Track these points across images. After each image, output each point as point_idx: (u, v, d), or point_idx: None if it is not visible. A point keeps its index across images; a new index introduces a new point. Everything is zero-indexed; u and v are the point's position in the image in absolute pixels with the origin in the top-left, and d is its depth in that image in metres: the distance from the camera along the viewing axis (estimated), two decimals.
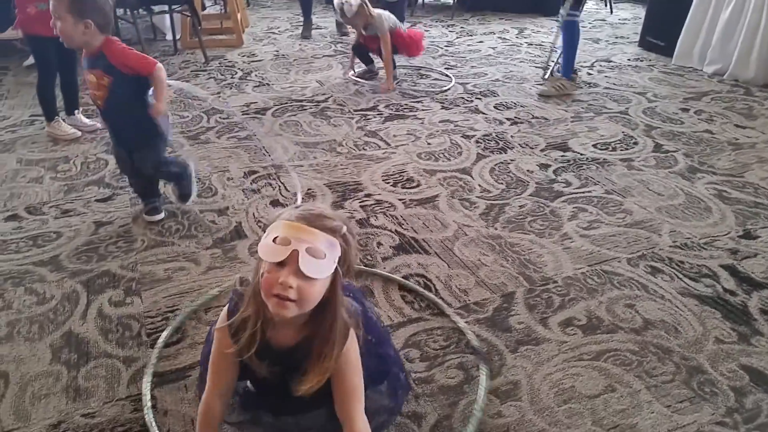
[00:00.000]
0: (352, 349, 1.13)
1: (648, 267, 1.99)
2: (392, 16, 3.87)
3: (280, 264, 1.00)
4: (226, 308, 1.17)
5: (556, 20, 3.72)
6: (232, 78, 4.08)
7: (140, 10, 4.43)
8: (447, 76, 4.10)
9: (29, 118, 3.30)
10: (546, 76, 3.94)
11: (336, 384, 1.13)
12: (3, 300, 1.82)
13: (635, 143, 3.00)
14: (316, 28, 5.51)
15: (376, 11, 3.76)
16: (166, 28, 5.07)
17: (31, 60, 4.18)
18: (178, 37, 4.85)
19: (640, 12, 5.82)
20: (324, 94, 3.77)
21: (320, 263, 1.01)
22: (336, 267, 1.04)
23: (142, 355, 1.60)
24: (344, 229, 1.05)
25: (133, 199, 2.41)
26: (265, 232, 1.05)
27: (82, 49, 2.04)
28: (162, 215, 2.28)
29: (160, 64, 2.02)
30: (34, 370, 1.55)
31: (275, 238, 1.01)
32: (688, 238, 2.16)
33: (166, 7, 4.44)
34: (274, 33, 5.46)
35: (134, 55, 2.01)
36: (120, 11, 4.66)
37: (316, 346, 1.10)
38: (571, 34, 3.66)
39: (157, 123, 2.09)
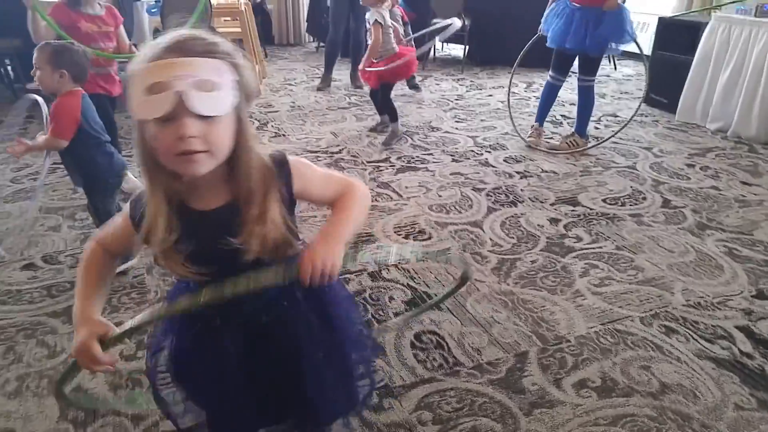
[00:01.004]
0: (299, 173, 1.00)
1: (662, 327, 1.97)
2: (397, 27, 3.79)
3: (168, 118, 0.81)
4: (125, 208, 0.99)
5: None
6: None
7: None
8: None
9: (51, 166, 3.35)
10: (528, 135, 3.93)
11: (315, 199, 1.05)
12: (14, 353, 1.82)
13: (644, 198, 3.01)
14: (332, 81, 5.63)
15: (389, 3, 3.70)
16: None
17: None
18: None
19: (643, 69, 5.91)
20: (338, 145, 3.83)
21: (216, 96, 0.82)
22: (235, 96, 0.86)
23: (150, 414, 1.59)
24: (223, 45, 0.86)
25: (147, 250, 2.43)
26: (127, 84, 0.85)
27: (55, 95, 2.19)
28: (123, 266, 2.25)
29: (60, 142, 2.11)
30: (41, 428, 1.54)
31: (148, 87, 0.80)
32: (701, 297, 2.14)
33: None
34: (290, 84, 5.58)
35: (56, 115, 2.11)
36: None
37: (242, 197, 0.93)
38: (586, 97, 3.72)
39: (103, 172, 2.23)
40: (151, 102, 0.79)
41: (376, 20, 3.60)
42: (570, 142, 3.76)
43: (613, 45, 3.48)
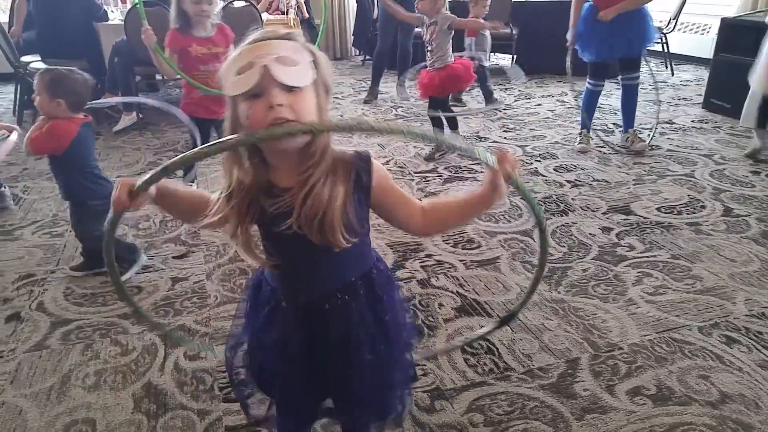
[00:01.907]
0: (381, 175, 1.05)
1: (722, 336, 1.94)
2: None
3: (257, 94, 0.90)
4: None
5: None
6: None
7: None
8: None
9: (116, 179, 3.53)
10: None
11: (389, 208, 1.10)
12: (92, 350, 1.95)
13: (702, 207, 2.96)
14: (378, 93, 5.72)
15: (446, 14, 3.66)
16: None
17: (120, 125, 4.54)
18: None
19: (703, 73, 5.79)
20: (385, 156, 3.90)
21: (297, 69, 0.91)
22: (315, 80, 0.95)
23: (214, 409, 1.67)
24: (299, 35, 0.96)
25: (206, 257, 2.55)
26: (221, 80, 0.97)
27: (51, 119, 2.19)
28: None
29: (33, 151, 2.18)
30: (118, 419, 1.65)
31: (237, 70, 0.91)
32: (766, 307, 2.10)
33: None
34: (337, 98, 5.70)
35: (48, 130, 2.14)
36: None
37: (309, 175, 0.98)
38: (634, 95, 3.81)
39: (86, 195, 2.26)
40: (241, 79, 0.90)
41: (432, 22, 3.61)
42: (633, 139, 3.85)
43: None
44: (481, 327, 2.02)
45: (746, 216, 2.84)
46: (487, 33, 4.97)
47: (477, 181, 3.35)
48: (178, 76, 2.80)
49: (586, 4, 3.58)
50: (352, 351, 1.12)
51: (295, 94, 0.91)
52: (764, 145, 3.68)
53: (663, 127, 4.40)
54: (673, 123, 4.48)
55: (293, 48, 0.93)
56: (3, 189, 3.24)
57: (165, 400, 1.72)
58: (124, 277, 2.32)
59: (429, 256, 2.54)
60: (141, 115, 4.72)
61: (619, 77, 3.82)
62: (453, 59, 3.71)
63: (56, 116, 2.17)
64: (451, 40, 3.68)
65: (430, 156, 3.81)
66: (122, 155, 4.00)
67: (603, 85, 3.82)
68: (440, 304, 2.18)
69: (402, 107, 5.25)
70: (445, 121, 3.93)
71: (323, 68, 0.98)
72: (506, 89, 5.83)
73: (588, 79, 3.82)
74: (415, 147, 4.04)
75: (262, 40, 0.93)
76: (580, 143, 3.92)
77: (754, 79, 3.64)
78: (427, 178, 3.46)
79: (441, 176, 3.49)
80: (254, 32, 0.97)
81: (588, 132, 3.96)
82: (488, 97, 5.15)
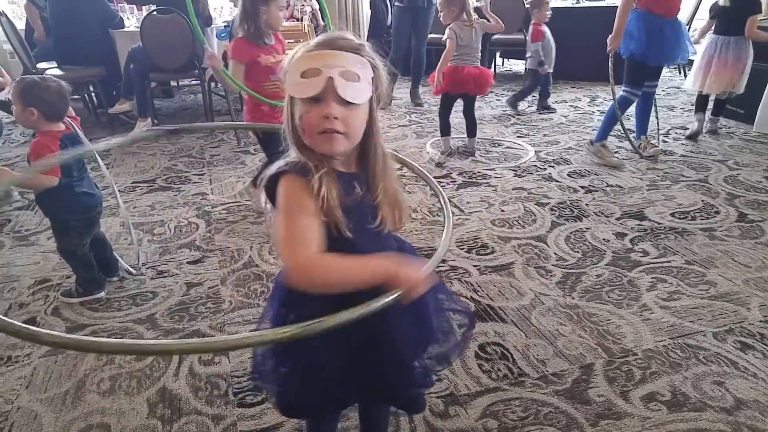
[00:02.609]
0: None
1: (737, 342, 1.93)
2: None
3: (317, 99, 0.94)
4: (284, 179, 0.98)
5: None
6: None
7: None
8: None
9: (131, 184, 3.58)
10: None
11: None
12: (107, 355, 1.96)
13: (716, 212, 2.94)
14: (392, 99, 5.74)
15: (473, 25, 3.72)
16: None
17: (135, 131, 4.58)
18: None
19: None
20: (399, 162, 3.89)
21: (358, 86, 0.95)
22: (371, 91, 0.98)
23: (229, 414, 1.68)
24: (367, 48, 0.99)
25: (221, 262, 2.57)
26: (285, 73, 0.99)
27: (34, 131, 2.13)
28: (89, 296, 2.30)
29: (49, 179, 2.06)
30: (132, 424, 1.66)
31: (303, 72, 0.94)
32: None
33: None
34: None
35: (35, 156, 2.05)
36: (213, 85, 5.04)
37: (371, 179, 1.04)
38: (650, 102, 3.79)
39: (61, 209, 2.18)
40: (307, 84, 0.93)
41: (448, 36, 3.68)
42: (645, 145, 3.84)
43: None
44: (495, 333, 2.02)
45: (760, 221, 2.82)
46: (551, 38, 4.97)
47: (491, 187, 3.36)
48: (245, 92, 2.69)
49: (636, 12, 3.48)
50: (391, 332, 1.12)
51: (351, 108, 0.96)
52: (701, 128, 4.19)
53: (676, 132, 4.37)
54: (687, 129, 4.45)
55: (360, 63, 0.96)
56: (14, 194, 3.30)
57: (179, 405, 1.73)
58: (98, 295, 2.31)
59: (443, 261, 2.54)
60: (156, 121, 4.77)
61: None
62: (477, 63, 3.79)
63: (34, 128, 2.09)
64: (469, 51, 3.74)
65: (440, 163, 3.83)
66: (137, 161, 4.04)
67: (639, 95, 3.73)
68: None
69: (416, 113, 5.26)
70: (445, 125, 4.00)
71: (381, 84, 1.02)
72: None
73: (627, 88, 3.66)
74: (428, 153, 4.05)
75: (333, 47, 0.95)
76: (645, 148, 3.85)
77: (688, 79, 4.17)
78: (441, 183, 3.46)
79: (455, 182, 3.49)
80: (324, 33, 1.01)
81: (646, 136, 3.90)
82: (543, 102, 5.19)
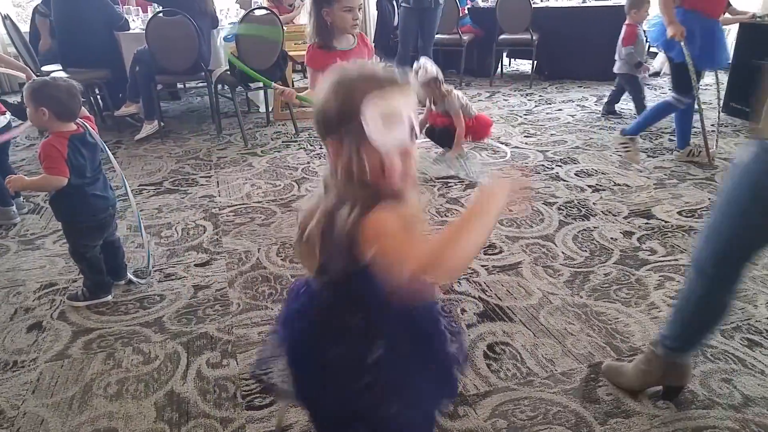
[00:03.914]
0: None
1: (744, 340, 1.92)
2: (465, 98, 3.83)
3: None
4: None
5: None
6: (321, 149, 4.27)
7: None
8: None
9: (138, 187, 3.59)
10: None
11: None
12: (114, 359, 1.97)
13: None
14: None
15: (449, 89, 3.78)
16: (260, 102, 5.45)
17: (142, 134, 4.60)
18: (270, 109, 5.19)
19: (722, 77, 5.70)
20: None
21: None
22: None
23: (237, 417, 1.68)
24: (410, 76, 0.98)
25: (229, 264, 2.57)
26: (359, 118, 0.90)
27: (46, 132, 2.14)
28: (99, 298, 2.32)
29: (59, 179, 2.07)
30: (140, 428, 1.66)
31: (385, 118, 0.90)
32: None
33: (261, 84, 4.78)
34: None
35: (43, 156, 2.06)
36: (220, 87, 5.06)
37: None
38: (662, 110, 3.62)
39: (71, 212, 2.19)
40: (392, 132, 0.90)
41: (455, 110, 3.70)
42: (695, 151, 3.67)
43: None
44: (504, 332, 2.01)
45: None
46: (644, 38, 4.64)
47: None
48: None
49: (683, 11, 3.22)
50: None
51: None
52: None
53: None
54: (694, 127, 4.41)
55: (414, 93, 0.95)
56: (19, 198, 3.31)
57: (187, 408, 1.73)
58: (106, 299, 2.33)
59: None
60: (163, 124, 4.78)
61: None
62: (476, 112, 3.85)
63: (47, 128, 2.10)
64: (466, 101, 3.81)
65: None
66: (144, 164, 4.05)
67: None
68: (463, 310, 2.17)
69: (422, 113, 5.24)
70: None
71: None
72: (527, 95, 5.81)
73: (677, 95, 3.47)
74: (435, 153, 4.04)
75: (398, 83, 0.93)
76: (704, 155, 3.62)
77: None
78: (449, 184, 3.46)
79: (462, 182, 3.48)
80: (369, 65, 0.98)
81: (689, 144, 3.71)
82: (611, 107, 4.97)
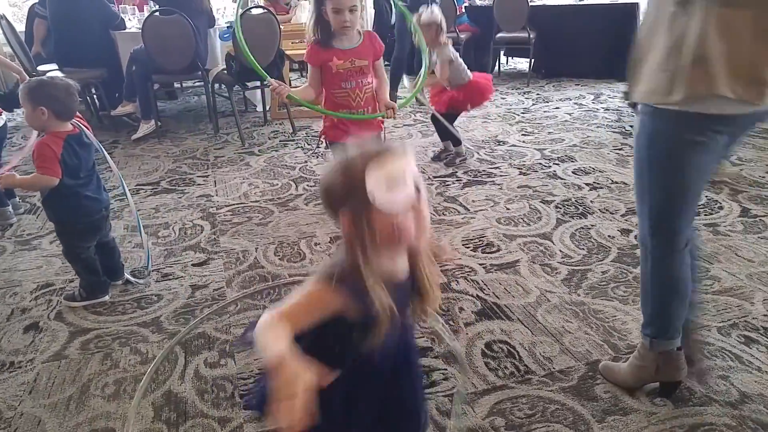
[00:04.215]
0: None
1: (741, 337, 1.92)
2: (460, 59, 3.72)
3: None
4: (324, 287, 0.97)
5: None
6: (318, 147, 4.27)
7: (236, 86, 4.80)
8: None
9: (135, 187, 3.58)
10: None
11: None
12: (111, 359, 1.96)
13: (720, 208, 2.93)
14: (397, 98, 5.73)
15: (447, 41, 3.67)
16: (257, 101, 5.44)
17: (139, 133, 4.59)
18: (267, 108, 5.18)
19: None
20: None
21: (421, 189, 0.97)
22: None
23: (235, 416, 1.68)
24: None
25: (226, 264, 2.57)
26: (357, 186, 0.92)
27: (43, 131, 2.12)
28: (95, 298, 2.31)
29: (50, 179, 2.06)
30: (138, 428, 1.66)
31: (389, 185, 0.92)
32: None
33: (258, 83, 4.78)
34: None
35: (36, 155, 2.05)
36: (217, 86, 5.05)
37: (419, 266, 1.05)
38: None
39: (64, 213, 2.18)
40: (395, 199, 0.92)
41: (443, 60, 3.62)
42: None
43: None
44: (502, 331, 2.01)
45: (763, 216, 2.81)
46: None
47: (496, 185, 3.35)
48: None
49: None
50: (411, 369, 1.18)
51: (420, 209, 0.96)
52: None
53: None
54: None
55: (411, 168, 0.95)
56: (15, 198, 3.31)
57: (185, 408, 1.73)
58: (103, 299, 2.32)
59: (450, 260, 2.53)
60: (160, 123, 4.77)
61: None
62: (471, 75, 3.72)
63: (45, 128, 2.08)
64: (462, 64, 3.69)
65: (437, 157, 3.86)
66: (141, 163, 4.05)
67: None
68: (461, 308, 2.17)
69: (421, 112, 5.25)
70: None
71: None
72: (524, 93, 5.81)
73: None
74: (433, 152, 4.03)
75: (394, 152, 0.94)
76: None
77: None
78: (447, 182, 3.46)
79: (460, 180, 3.48)
80: (375, 144, 0.97)
81: None
82: None
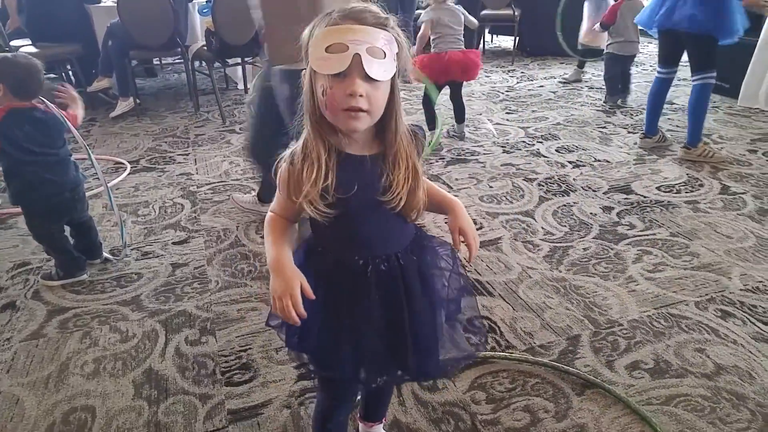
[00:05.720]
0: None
1: (718, 311, 1.95)
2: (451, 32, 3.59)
3: (341, 74, 0.91)
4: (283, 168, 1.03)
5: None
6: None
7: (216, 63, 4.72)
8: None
9: (114, 166, 3.53)
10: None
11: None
12: (90, 338, 1.94)
13: (701, 185, 2.96)
14: None
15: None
16: (238, 78, 5.35)
17: (117, 111, 4.50)
18: (249, 85, 5.11)
19: None
20: None
21: (384, 63, 0.92)
22: (396, 66, 0.96)
23: (216, 393, 1.68)
24: (392, 20, 0.97)
25: (207, 242, 2.54)
26: (307, 45, 0.95)
27: None
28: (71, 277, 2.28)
29: None
30: (118, 405, 1.65)
31: (328, 46, 0.91)
32: (761, 282, 2.11)
33: (238, 60, 4.70)
34: None
35: None
36: (197, 64, 4.97)
37: (391, 157, 1.02)
38: (696, 98, 3.23)
39: (17, 192, 2.11)
40: (331, 59, 0.90)
41: (422, 20, 3.58)
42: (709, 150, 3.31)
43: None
44: (483, 306, 2.02)
45: (742, 194, 2.84)
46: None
47: (480, 164, 3.35)
48: None
49: None
50: (407, 310, 1.14)
51: (376, 85, 0.93)
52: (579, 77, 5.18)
53: (663, 108, 4.36)
54: (673, 103, 4.44)
55: (386, 39, 0.93)
56: None
57: (166, 385, 1.72)
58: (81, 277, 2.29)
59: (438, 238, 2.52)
60: (138, 101, 4.69)
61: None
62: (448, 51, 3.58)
63: (1, 104, 2.00)
64: (447, 32, 3.58)
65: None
66: (120, 141, 3.98)
67: (673, 74, 3.42)
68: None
69: (405, 89, 5.11)
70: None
71: (404, 60, 0.99)
72: (509, 71, 5.79)
73: (712, 71, 3.15)
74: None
75: (360, 21, 0.92)
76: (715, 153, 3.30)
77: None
78: (430, 161, 3.44)
79: (443, 159, 3.47)
80: (348, 5, 0.95)
81: (649, 135, 3.54)
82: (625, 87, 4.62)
